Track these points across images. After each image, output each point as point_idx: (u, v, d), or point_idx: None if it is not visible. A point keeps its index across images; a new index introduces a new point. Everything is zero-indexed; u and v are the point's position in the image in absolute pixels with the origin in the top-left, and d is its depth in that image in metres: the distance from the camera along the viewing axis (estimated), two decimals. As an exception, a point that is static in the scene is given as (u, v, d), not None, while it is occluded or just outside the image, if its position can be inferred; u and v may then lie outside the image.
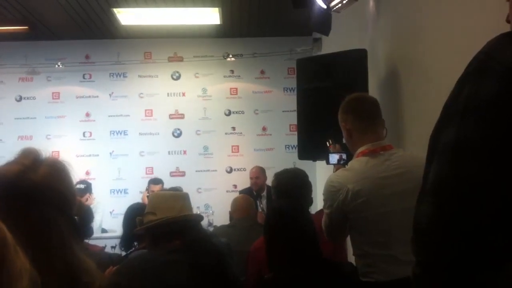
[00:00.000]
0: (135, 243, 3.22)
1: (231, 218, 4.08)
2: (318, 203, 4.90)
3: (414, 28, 2.91)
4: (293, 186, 3.13)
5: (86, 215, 3.10)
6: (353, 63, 3.42)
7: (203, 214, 3.29)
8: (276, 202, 2.52)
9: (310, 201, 3.32)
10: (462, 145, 0.94)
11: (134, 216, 2.72)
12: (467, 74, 1.01)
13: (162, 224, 2.21)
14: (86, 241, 3.22)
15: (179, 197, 2.37)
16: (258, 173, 6.50)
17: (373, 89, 3.43)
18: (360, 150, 2.45)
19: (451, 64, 2.23)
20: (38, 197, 1.13)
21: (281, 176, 3.27)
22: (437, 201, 0.96)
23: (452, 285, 0.94)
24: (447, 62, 2.37)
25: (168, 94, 7.86)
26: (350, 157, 2.69)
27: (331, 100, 2.84)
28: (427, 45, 2.70)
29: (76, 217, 1.22)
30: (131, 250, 3.15)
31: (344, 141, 2.68)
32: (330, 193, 2.39)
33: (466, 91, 0.97)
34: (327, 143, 3.11)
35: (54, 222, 1.12)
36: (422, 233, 0.99)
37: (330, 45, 5.47)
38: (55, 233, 1.12)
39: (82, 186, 5.58)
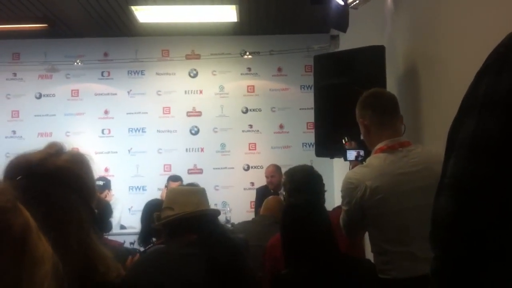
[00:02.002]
0: (153, 239, 3.24)
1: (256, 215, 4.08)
2: (335, 200, 4.89)
3: (433, 24, 2.89)
4: (306, 183, 3.11)
5: (105, 209, 3.13)
6: (371, 60, 3.40)
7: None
8: (293, 199, 2.52)
9: (323, 197, 3.30)
10: (480, 140, 0.93)
11: (152, 212, 2.74)
12: (486, 67, 0.99)
13: (179, 219, 2.23)
14: (105, 236, 3.25)
15: (196, 192, 2.39)
16: (273, 172, 6.50)
17: (391, 86, 3.41)
18: (378, 146, 2.43)
19: (471, 60, 2.21)
20: (59, 180, 1.15)
21: (294, 175, 3.23)
22: (454, 196, 0.95)
23: (467, 280, 0.93)
24: (466, 58, 2.34)
25: (185, 91, 7.89)
26: (367, 154, 2.68)
27: (349, 96, 2.83)
28: (446, 41, 2.68)
29: (95, 210, 1.24)
30: (149, 246, 3.18)
31: (361, 137, 2.67)
32: (348, 190, 2.38)
33: (484, 84, 0.96)
34: (343, 140, 3.09)
35: (74, 206, 1.14)
36: (439, 227, 0.99)
37: (348, 42, 5.44)
38: (75, 217, 1.14)
39: (101, 182, 5.62)
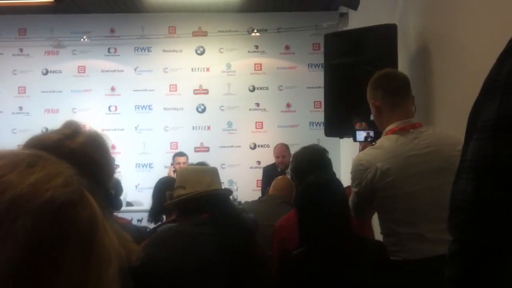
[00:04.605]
0: (163, 216, 3.25)
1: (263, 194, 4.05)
2: (342, 180, 4.87)
3: (447, 1, 2.84)
4: (312, 167, 3.02)
5: (116, 187, 3.13)
6: (382, 39, 3.37)
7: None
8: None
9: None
10: (503, 123, 0.92)
11: (164, 189, 2.75)
12: (509, 48, 0.97)
13: (191, 198, 2.22)
14: (115, 213, 3.25)
15: (208, 171, 2.39)
16: (284, 152, 6.41)
17: (403, 66, 3.38)
18: (389, 127, 2.42)
19: (486, 40, 2.18)
20: (74, 164, 1.10)
21: (299, 158, 3.16)
22: (475, 179, 0.95)
23: (487, 264, 0.93)
24: (481, 38, 2.31)
25: (192, 69, 7.85)
26: (377, 134, 2.66)
27: (359, 76, 2.81)
28: (460, 20, 2.64)
29: (112, 191, 1.22)
30: (159, 224, 3.19)
31: (372, 117, 2.65)
32: (359, 171, 2.37)
33: (508, 66, 0.95)
34: (353, 121, 3.07)
35: (90, 192, 1.09)
36: (458, 211, 0.98)
37: (357, 20, 5.39)
38: None
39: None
